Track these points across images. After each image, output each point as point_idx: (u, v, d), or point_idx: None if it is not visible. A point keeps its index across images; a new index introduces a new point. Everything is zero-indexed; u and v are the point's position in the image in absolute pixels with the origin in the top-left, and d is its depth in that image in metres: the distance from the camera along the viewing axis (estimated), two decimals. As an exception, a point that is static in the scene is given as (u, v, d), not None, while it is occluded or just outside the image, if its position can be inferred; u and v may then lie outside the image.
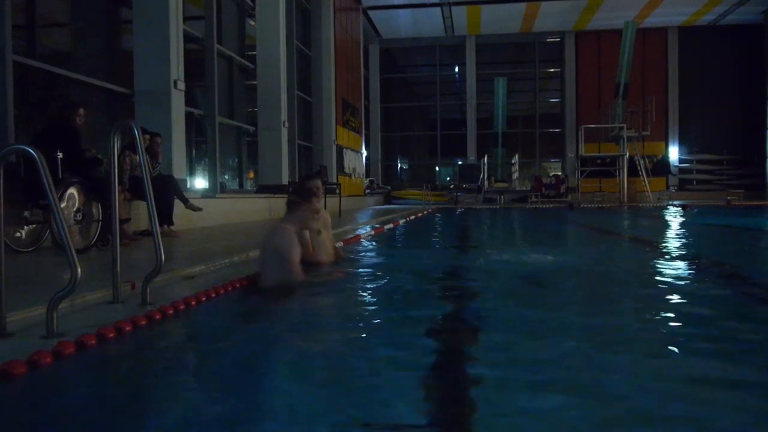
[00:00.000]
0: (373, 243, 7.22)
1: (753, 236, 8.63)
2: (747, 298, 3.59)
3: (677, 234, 8.73)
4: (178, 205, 7.09)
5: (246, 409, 1.74)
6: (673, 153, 25.52)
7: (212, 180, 11.16)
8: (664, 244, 6.91)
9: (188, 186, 9.82)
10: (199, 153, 11.65)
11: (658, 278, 4.14)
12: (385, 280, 4.05)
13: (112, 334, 2.43)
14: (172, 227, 6.87)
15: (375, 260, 5.50)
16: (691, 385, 1.91)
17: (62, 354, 2.14)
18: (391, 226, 9.84)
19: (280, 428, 1.61)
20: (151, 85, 8.40)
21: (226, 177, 12.55)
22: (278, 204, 11.71)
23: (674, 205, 18.30)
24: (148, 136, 6.80)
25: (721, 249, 6.85)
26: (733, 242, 7.80)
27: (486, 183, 23.09)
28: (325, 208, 4.33)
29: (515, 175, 25.15)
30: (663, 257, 5.56)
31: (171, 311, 2.85)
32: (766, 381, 1.97)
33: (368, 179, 24.55)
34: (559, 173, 25.09)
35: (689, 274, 4.49)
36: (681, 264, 5.00)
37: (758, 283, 4.08)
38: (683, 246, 6.81)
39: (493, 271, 4.72)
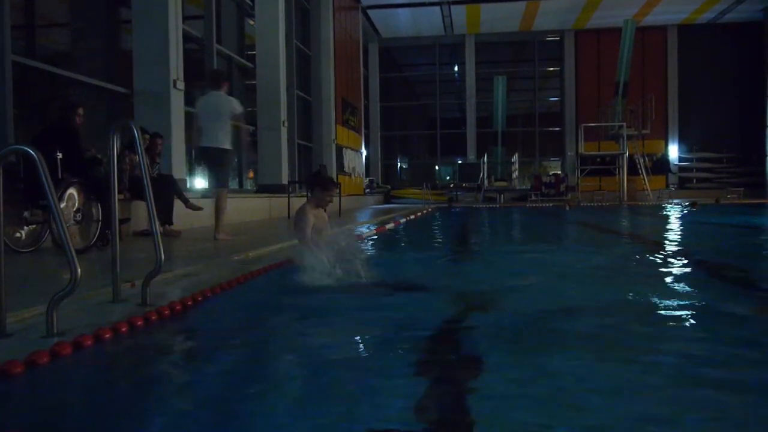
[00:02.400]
0: (375, 243, 7.23)
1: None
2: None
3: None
4: (178, 205, 7.10)
5: (240, 411, 1.74)
6: (673, 151, 25.50)
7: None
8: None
9: (188, 186, 9.82)
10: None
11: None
12: (384, 280, 4.06)
13: (108, 335, 2.43)
14: (172, 227, 6.88)
15: (374, 260, 5.50)
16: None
17: (59, 354, 2.14)
18: (392, 225, 9.85)
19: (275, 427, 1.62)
20: (151, 85, 8.41)
21: (226, 176, 12.53)
22: (278, 203, 11.75)
23: (680, 204, 17.87)
24: (147, 136, 6.81)
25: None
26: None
27: (486, 182, 23.07)
28: (325, 209, 4.44)
29: (515, 174, 25.11)
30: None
31: (167, 311, 2.86)
32: None
33: (368, 178, 24.55)
34: (559, 172, 25.09)
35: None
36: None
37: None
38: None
39: (491, 275, 4.72)
